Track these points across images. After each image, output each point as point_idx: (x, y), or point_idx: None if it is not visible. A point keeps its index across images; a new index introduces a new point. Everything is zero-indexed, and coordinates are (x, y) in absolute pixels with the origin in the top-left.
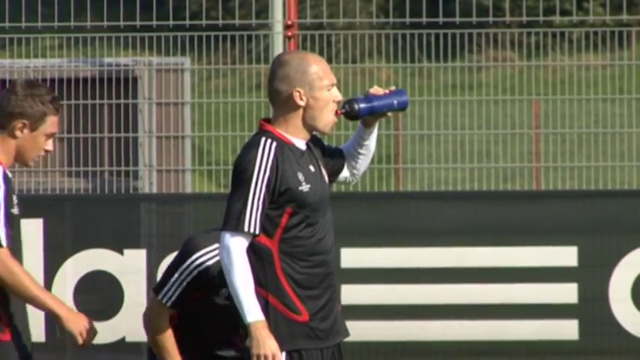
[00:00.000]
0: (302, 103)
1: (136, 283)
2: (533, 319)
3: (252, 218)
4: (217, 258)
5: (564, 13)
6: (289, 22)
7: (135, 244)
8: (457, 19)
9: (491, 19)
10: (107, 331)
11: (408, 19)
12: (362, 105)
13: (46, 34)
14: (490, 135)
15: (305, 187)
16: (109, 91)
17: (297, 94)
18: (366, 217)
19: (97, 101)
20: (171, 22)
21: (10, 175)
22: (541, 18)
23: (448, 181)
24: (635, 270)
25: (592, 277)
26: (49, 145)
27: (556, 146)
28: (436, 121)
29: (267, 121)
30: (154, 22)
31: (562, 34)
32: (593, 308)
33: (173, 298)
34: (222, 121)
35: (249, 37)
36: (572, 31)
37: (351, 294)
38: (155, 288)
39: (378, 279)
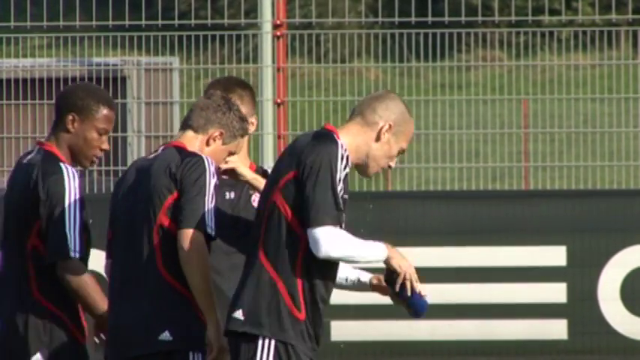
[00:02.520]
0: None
1: None
2: (522, 318)
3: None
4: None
5: (553, 12)
6: (278, 22)
7: None
8: (446, 19)
9: (480, 18)
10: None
11: (396, 19)
12: (414, 302)
13: (34, 33)
14: (479, 135)
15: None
16: None
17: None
18: (355, 216)
19: None
20: (160, 22)
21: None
22: (530, 17)
23: (437, 180)
24: (624, 269)
25: (581, 276)
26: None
27: (545, 146)
28: (425, 120)
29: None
30: (143, 22)
31: (551, 33)
32: (582, 308)
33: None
34: None
35: (238, 37)
36: (561, 31)
37: (340, 294)
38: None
39: None
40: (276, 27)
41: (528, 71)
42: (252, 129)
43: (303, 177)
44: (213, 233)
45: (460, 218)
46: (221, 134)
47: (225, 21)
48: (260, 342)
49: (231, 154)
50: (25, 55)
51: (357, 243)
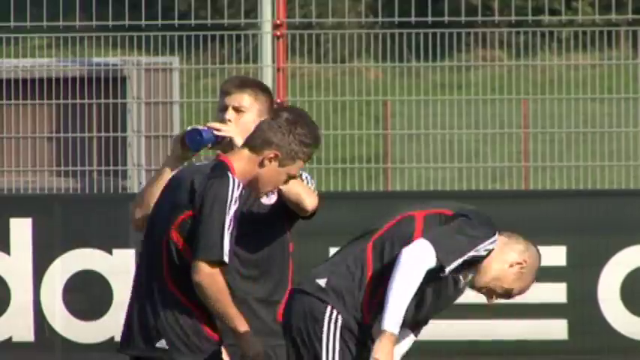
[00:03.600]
0: None
1: (125, 283)
2: (522, 318)
3: (456, 265)
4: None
5: (553, 12)
6: (278, 22)
7: (124, 244)
8: (446, 19)
9: (480, 18)
10: (96, 331)
11: (396, 19)
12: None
13: (34, 33)
14: (479, 135)
15: None
16: (98, 91)
17: None
18: (355, 216)
19: (86, 101)
20: (160, 22)
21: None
22: (530, 17)
23: (437, 180)
24: (624, 269)
25: (581, 276)
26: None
27: (545, 146)
28: (425, 120)
29: None
30: (143, 22)
31: (551, 33)
32: (582, 308)
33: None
34: (210, 121)
35: (238, 37)
36: (561, 31)
37: None
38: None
39: None
40: (276, 27)
41: (528, 71)
42: None
43: None
44: (227, 259)
45: None
46: (276, 156)
47: (225, 21)
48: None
49: (290, 177)
50: (24, 55)
51: None
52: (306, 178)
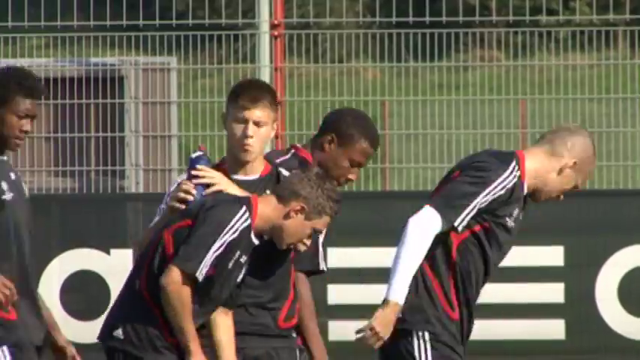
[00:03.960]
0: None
1: (123, 283)
2: (519, 318)
3: (466, 215)
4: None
5: (551, 12)
6: (276, 22)
7: (121, 244)
8: (444, 19)
9: (477, 18)
10: (93, 331)
11: (394, 19)
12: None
13: (32, 33)
14: (477, 135)
15: None
16: (96, 91)
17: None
18: (353, 216)
19: (84, 101)
20: (157, 22)
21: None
22: (527, 17)
23: (434, 180)
24: (622, 269)
25: (579, 276)
26: None
27: None
28: (423, 120)
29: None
30: (141, 22)
31: (548, 33)
32: (579, 308)
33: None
34: (208, 121)
35: (236, 37)
36: (559, 31)
37: (338, 293)
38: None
39: (365, 279)
40: (273, 27)
41: (526, 71)
42: (272, 133)
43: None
44: (200, 277)
45: None
46: (302, 209)
47: (223, 21)
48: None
49: (316, 231)
50: (22, 55)
51: None
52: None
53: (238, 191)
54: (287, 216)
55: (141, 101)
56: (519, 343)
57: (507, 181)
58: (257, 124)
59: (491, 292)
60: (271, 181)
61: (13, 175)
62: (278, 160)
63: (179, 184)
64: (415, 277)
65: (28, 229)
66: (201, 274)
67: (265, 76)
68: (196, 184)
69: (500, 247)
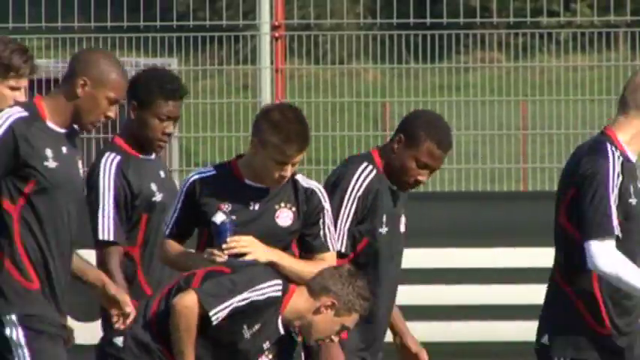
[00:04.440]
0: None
1: None
2: (519, 320)
3: (614, 222)
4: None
5: (551, 14)
6: (276, 23)
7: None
8: (444, 20)
9: (478, 20)
10: (94, 333)
11: (395, 20)
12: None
13: (33, 34)
14: (477, 136)
15: None
16: None
17: None
18: None
19: None
20: (158, 23)
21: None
22: (528, 19)
23: (435, 181)
24: None
25: None
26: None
27: (543, 147)
28: None
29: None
30: (142, 23)
31: (549, 35)
32: None
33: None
34: (209, 122)
35: (237, 38)
36: (560, 32)
37: None
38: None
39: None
40: (274, 28)
41: (527, 73)
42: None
43: (581, 191)
44: (213, 317)
45: (459, 219)
46: (332, 305)
47: (224, 22)
48: None
49: (344, 328)
50: None
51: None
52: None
53: (273, 254)
54: (317, 311)
55: None
56: (519, 344)
57: (615, 170)
58: (294, 163)
59: (490, 294)
60: (286, 191)
61: (162, 174)
62: None
63: (211, 254)
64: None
65: None
66: (215, 316)
67: (266, 78)
68: (228, 255)
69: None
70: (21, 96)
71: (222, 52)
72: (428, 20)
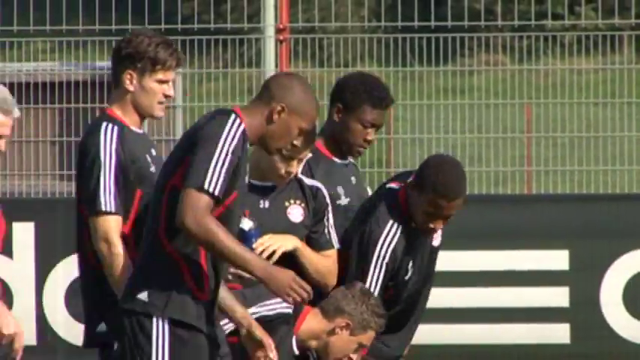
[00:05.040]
0: None
1: None
2: (524, 322)
3: None
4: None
5: (556, 17)
6: (281, 26)
7: None
8: (449, 23)
9: (483, 23)
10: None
11: (399, 23)
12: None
13: (37, 37)
14: (482, 139)
15: None
16: (101, 95)
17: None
18: None
19: (89, 105)
20: (163, 26)
21: None
22: (533, 22)
23: None
24: (627, 274)
25: (583, 280)
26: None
27: (547, 150)
28: (427, 125)
29: None
30: (146, 26)
31: (554, 37)
32: (584, 312)
33: None
34: None
35: (241, 41)
36: (564, 35)
37: None
38: None
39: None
40: (279, 31)
41: (531, 75)
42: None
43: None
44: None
45: (462, 222)
46: (347, 325)
47: (229, 25)
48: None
49: (361, 346)
50: (27, 59)
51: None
52: (328, 233)
53: (295, 241)
54: (332, 332)
55: None
56: (523, 347)
57: None
58: (300, 159)
59: (495, 296)
60: (292, 188)
61: (354, 180)
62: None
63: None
64: None
65: None
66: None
67: None
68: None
69: None
70: (169, 89)
71: (227, 55)
72: (432, 23)
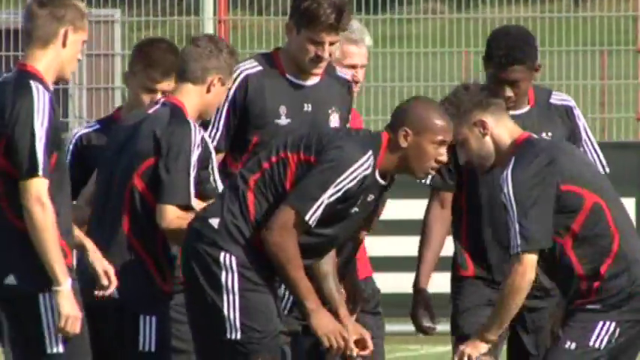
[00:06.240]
0: None
1: None
2: None
3: None
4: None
5: None
6: None
7: None
8: None
9: None
10: None
11: None
12: None
13: None
14: (420, 87)
15: None
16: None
17: None
18: None
19: None
20: None
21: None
22: None
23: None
24: None
25: None
26: None
27: None
28: (366, 72)
29: None
30: None
31: None
32: None
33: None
34: None
35: None
36: None
37: None
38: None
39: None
40: None
41: (469, 24)
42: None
43: None
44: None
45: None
46: (220, 79)
47: None
48: None
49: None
50: None
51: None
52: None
53: None
54: (208, 91)
55: (85, 53)
56: None
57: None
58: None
59: None
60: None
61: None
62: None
63: None
64: None
65: None
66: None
67: (209, 29)
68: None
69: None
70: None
71: (166, 3)
72: None
